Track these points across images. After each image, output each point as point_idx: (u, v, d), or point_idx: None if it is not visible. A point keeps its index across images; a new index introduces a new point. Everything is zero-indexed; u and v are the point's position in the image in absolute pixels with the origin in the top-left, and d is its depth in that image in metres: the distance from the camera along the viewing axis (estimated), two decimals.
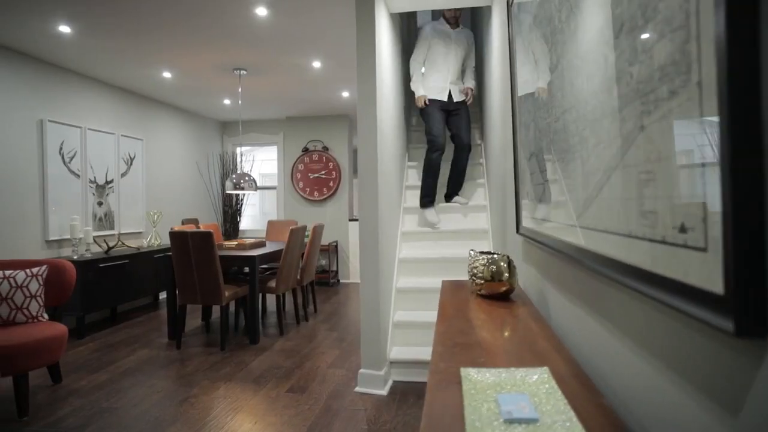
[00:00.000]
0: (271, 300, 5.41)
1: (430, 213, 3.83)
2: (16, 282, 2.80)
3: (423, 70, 3.77)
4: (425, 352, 3.02)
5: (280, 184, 7.03)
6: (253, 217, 7.51)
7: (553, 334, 1.21)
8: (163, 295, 5.66)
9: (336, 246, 6.73)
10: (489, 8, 3.56)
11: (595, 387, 0.85)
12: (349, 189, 6.83)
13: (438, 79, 3.75)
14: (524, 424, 0.71)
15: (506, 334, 1.22)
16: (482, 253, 1.74)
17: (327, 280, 6.49)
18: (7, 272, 2.81)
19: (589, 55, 0.91)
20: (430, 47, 3.73)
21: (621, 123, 0.76)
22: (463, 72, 3.92)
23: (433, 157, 3.73)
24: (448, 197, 4.02)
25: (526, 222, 1.77)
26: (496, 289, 1.61)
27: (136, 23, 3.39)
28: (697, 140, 0.53)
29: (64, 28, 3.43)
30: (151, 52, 4.00)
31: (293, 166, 6.88)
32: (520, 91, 1.78)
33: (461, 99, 3.84)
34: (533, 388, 0.84)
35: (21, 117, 3.96)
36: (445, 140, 3.78)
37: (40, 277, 2.91)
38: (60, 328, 2.78)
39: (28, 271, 2.88)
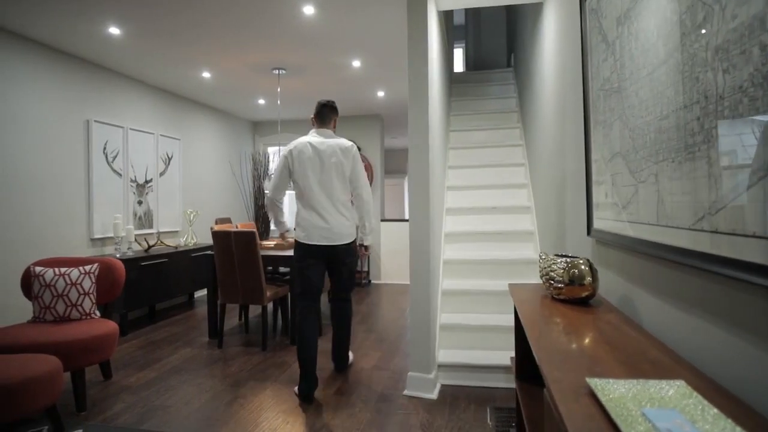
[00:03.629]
0: None
1: None
2: (70, 279, 2.84)
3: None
4: (474, 356, 2.97)
5: None
6: None
7: (662, 343, 1.15)
8: (197, 294, 5.72)
9: (367, 246, 6.70)
10: (533, 6, 3.48)
11: (747, 404, 0.79)
12: (381, 189, 6.80)
13: None
14: None
15: (608, 341, 1.16)
16: (558, 255, 1.68)
17: (359, 281, 6.47)
18: (62, 269, 2.86)
19: (729, 47, 0.85)
20: None
21: None
22: None
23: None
24: None
25: (603, 224, 1.71)
26: (576, 293, 1.55)
27: (183, 24, 3.42)
28: None
29: (114, 30, 3.48)
30: (194, 53, 4.04)
31: None
32: (598, 89, 1.72)
33: None
34: (677, 403, 0.79)
35: (70, 117, 4.04)
36: None
37: (92, 275, 2.95)
38: (111, 325, 2.81)
39: (81, 268, 2.92)
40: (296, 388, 2.84)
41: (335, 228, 2.84)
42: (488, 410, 2.57)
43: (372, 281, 6.80)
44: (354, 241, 2.99)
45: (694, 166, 1.01)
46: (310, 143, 2.88)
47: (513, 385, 2.86)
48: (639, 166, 1.33)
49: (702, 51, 0.95)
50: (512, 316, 3.19)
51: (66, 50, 3.93)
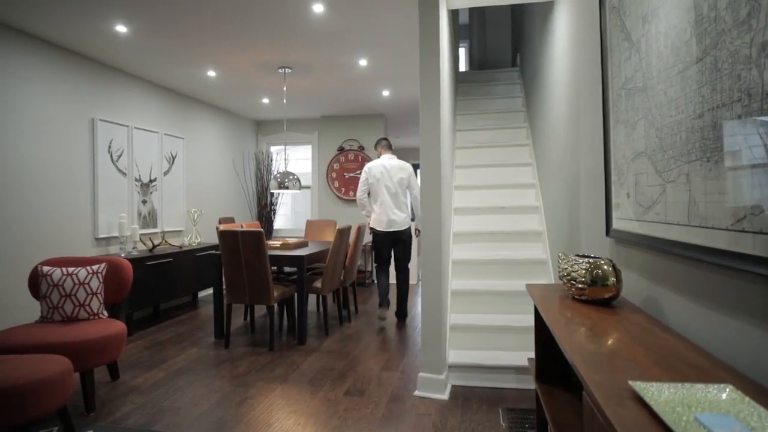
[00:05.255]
0: (310, 300, 5.38)
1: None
2: (78, 279, 2.81)
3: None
4: (485, 356, 2.95)
5: (315, 184, 7.02)
6: (285, 216, 7.52)
7: (695, 344, 1.13)
8: (201, 294, 5.69)
9: (371, 246, 6.68)
10: (543, 5, 3.46)
11: None
12: None
13: None
14: None
15: (640, 342, 1.15)
16: (579, 256, 1.66)
17: (363, 281, 6.45)
18: (70, 269, 2.83)
19: None
20: None
21: None
22: None
23: None
24: None
25: (624, 224, 1.69)
26: (599, 294, 1.53)
27: (190, 23, 3.39)
28: None
29: (121, 28, 3.46)
30: (200, 51, 4.01)
31: (328, 166, 6.87)
32: (620, 88, 1.70)
33: None
34: (730, 408, 0.77)
35: (75, 116, 4.01)
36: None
37: (100, 275, 2.92)
38: (119, 326, 2.78)
39: (88, 268, 2.89)
40: (377, 312, 4.62)
41: (394, 220, 4.29)
42: (500, 411, 2.55)
43: (375, 281, 6.77)
44: (409, 228, 4.39)
45: (733, 166, 0.99)
46: (382, 164, 4.34)
47: (524, 385, 2.84)
48: (667, 165, 1.31)
49: (745, 48, 0.93)
50: (522, 316, 3.18)
51: (71, 48, 3.90)
